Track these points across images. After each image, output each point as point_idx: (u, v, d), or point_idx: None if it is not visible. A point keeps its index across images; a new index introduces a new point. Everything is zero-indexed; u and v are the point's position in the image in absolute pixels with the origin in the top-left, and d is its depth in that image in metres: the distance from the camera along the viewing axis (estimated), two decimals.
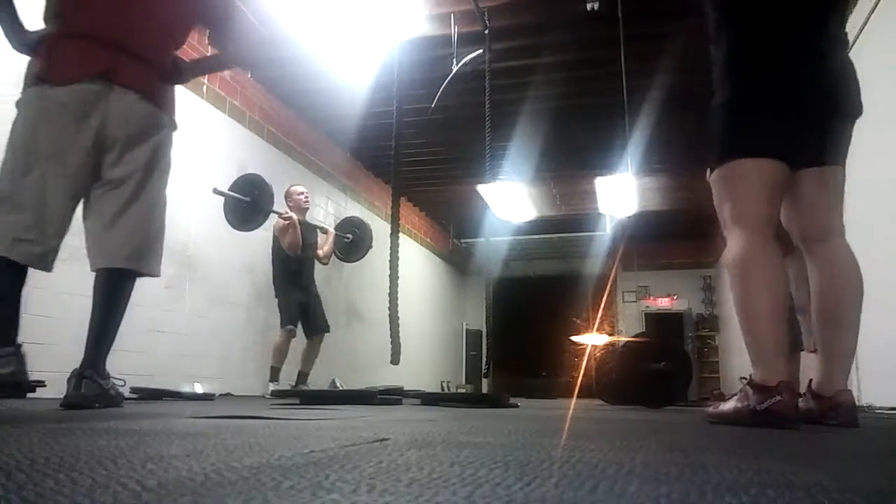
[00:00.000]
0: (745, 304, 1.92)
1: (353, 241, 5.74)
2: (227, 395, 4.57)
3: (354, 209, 7.85)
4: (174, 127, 2.27)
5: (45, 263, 2.01)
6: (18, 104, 2.05)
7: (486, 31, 4.88)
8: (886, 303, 3.49)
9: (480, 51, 4.98)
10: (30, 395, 3.22)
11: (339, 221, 6.04)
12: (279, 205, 5.00)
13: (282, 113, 6.41)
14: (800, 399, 1.90)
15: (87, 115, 2.02)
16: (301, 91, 6.23)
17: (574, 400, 6.34)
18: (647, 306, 11.88)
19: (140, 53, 2.13)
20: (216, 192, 4.61)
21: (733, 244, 1.98)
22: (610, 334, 11.05)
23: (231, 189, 4.74)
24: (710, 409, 2.11)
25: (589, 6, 4.60)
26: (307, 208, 5.32)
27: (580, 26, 5.01)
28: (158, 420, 1.58)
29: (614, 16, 4.54)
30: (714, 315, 11.53)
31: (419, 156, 7.66)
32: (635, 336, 6.13)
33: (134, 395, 3.68)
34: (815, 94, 1.97)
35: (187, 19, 2.38)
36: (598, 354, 5.97)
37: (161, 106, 2.18)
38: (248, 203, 4.76)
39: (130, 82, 2.08)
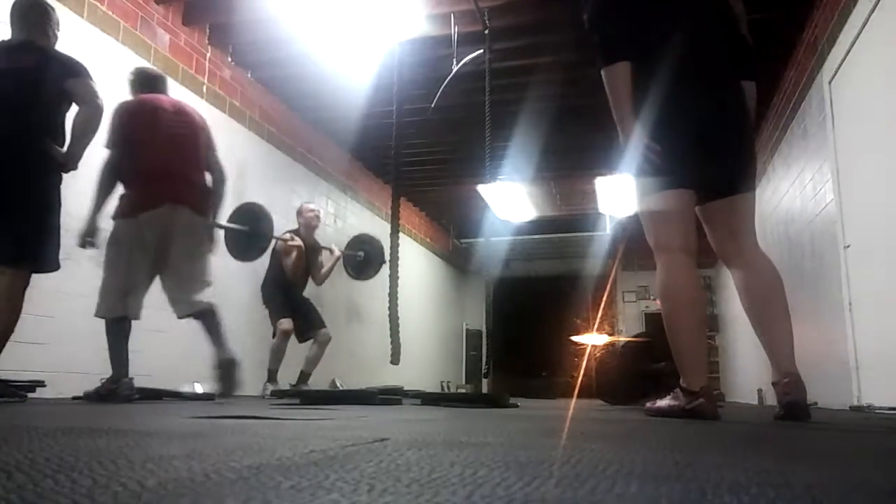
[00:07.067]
0: (671, 321, 2.20)
1: (364, 259, 5.65)
2: None
3: (354, 209, 7.85)
4: (211, 224, 3.49)
5: (137, 313, 3.26)
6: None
7: (486, 31, 4.87)
8: (887, 303, 3.49)
9: (480, 51, 4.98)
10: (30, 394, 3.24)
11: (349, 240, 5.79)
12: (278, 230, 4.92)
13: (282, 113, 6.40)
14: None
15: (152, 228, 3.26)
16: (301, 91, 6.22)
17: (574, 400, 6.33)
18: (647, 306, 11.87)
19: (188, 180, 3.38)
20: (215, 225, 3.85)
21: (659, 268, 2.27)
22: (610, 334, 11.03)
23: (230, 220, 4.32)
24: (648, 405, 2.41)
25: None
26: (316, 226, 5.29)
27: (580, 26, 5.00)
28: (158, 420, 1.58)
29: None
30: (714, 315, 11.52)
31: (419, 156, 7.65)
32: (635, 336, 6.10)
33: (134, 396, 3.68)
34: (721, 136, 2.24)
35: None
36: (598, 354, 5.95)
37: (200, 212, 3.36)
38: (246, 233, 4.42)
39: (184, 202, 3.30)
